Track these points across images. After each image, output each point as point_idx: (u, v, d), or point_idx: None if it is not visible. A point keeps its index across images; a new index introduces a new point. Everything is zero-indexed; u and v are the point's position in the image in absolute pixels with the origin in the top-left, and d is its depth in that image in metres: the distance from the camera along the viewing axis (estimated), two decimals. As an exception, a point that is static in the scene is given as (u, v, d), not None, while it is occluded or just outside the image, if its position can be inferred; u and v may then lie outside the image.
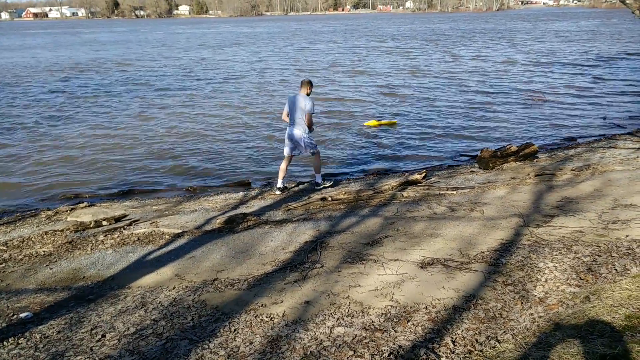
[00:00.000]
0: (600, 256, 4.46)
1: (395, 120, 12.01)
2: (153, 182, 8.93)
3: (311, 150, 7.62)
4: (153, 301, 4.28)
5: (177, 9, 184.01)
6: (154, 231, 6.03)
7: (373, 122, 12.11)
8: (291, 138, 7.48)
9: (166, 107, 15.44)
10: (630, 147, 9.06)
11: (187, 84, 20.39)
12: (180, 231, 6.00)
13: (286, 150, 7.64)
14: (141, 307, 4.19)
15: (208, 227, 6.18)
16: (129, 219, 6.58)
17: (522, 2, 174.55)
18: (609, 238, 4.86)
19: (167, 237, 5.85)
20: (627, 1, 17.90)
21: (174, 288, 4.53)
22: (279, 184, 7.72)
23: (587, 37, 39.03)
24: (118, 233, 6.06)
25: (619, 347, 2.83)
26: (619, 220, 5.30)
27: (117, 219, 6.56)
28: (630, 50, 28.14)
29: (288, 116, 7.47)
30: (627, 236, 4.86)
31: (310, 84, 7.35)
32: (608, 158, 8.33)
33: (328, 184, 7.95)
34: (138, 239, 5.83)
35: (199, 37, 56.09)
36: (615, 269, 4.18)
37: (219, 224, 6.16)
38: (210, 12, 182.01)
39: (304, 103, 7.21)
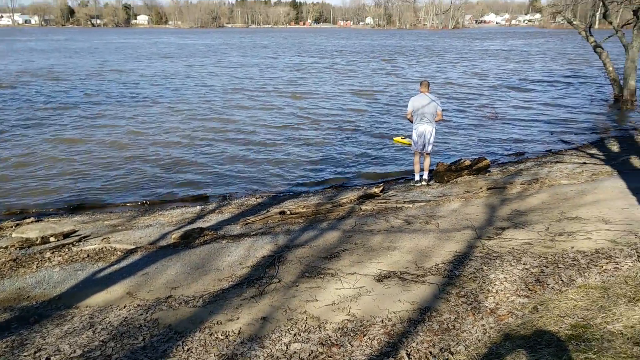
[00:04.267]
0: (547, 267, 4.62)
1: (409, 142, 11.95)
2: (106, 196, 8.66)
3: (432, 147, 8.45)
4: (102, 321, 4.13)
5: (136, 19, 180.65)
6: (105, 247, 5.83)
7: (399, 139, 12.08)
8: (422, 134, 8.21)
9: (117, 120, 14.98)
10: (575, 161, 9.49)
11: (134, 95, 19.72)
12: (133, 247, 5.83)
13: (418, 147, 8.42)
14: (89, 328, 4.03)
15: (163, 243, 6.03)
16: (78, 235, 6.35)
17: (476, 21, 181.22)
18: (555, 250, 5.05)
19: (119, 253, 5.67)
20: (574, 22, 18.96)
21: (124, 307, 4.38)
22: (417, 177, 8.62)
23: (534, 57, 40.77)
24: (66, 250, 5.83)
25: (564, 356, 2.93)
26: (565, 232, 5.53)
27: (66, 235, 6.31)
28: (568, 70, 29.57)
29: (412, 115, 8.26)
30: (572, 248, 5.07)
31: (428, 82, 8.31)
32: (555, 172, 8.70)
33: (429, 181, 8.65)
34: (88, 256, 5.63)
35: (137, 48, 53.84)
36: (562, 280, 4.34)
37: (175, 239, 6.03)
38: (170, 22, 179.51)
39: (434, 101, 8.08)
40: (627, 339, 2.98)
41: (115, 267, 5.29)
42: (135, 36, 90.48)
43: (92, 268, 5.28)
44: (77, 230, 6.52)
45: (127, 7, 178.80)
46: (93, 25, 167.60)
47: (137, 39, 76.56)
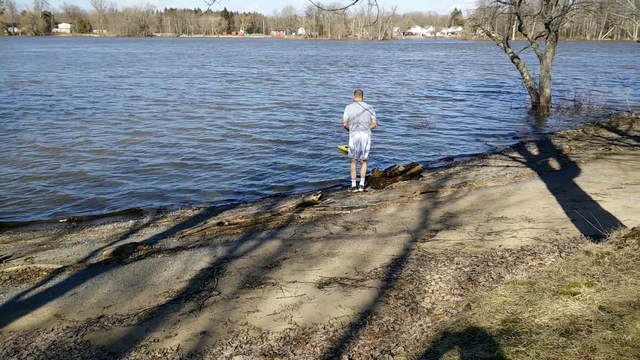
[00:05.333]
0: (478, 266, 4.86)
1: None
2: (28, 214, 8.11)
3: (368, 154, 8.65)
4: (28, 346, 3.86)
5: (57, 27, 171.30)
6: (29, 268, 5.46)
7: (344, 147, 11.91)
8: (359, 142, 8.37)
9: (35, 134, 14.03)
10: (500, 165, 10.07)
11: (51, 108, 18.52)
12: (60, 266, 5.50)
13: (355, 154, 8.55)
14: (14, 354, 3.76)
15: (93, 260, 5.75)
16: (-2, 256, 5.90)
17: (403, 34, 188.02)
18: (485, 249, 5.32)
19: (44, 273, 5.33)
20: (493, 35, 20.15)
21: (52, 330, 4.12)
22: (353, 184, 8.73)
23: (458, 67, 42.86)
24: (-15, 273, 5.40)
25: (496, 351, 3.08)
26: (493, 232, 5.83)
27: (-16, 257, 5.85)
28: (489, 79, 31.39)
29: (348, 123, 8.40)
30: (500, 246, 5.36)
31: (362, 91, 8.53)
32: (482, 175, 9.17)
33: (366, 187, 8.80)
34: (10, 278, 5.25)
35: (49, 58, 50.34)
36: (492, 277, 4.57)
37: (106, 256, 5.76)
38: (95, 31, 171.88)
39: (368, 109, 8.27)
40: (553, 330, 3.17)
41: (41, 288, 4.97)
42: (52, 45, 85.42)
43: (15, 290, 4.93)
44: (-4, 251, 6.06)
45: (47, 15, 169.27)
46: (10, 33, 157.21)
47: (54, 48, 72.23)
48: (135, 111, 18.05)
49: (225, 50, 75.12)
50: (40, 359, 3.67)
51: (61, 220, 7.83)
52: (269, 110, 18.72)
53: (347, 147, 12.06)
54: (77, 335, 4.00)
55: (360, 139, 8.43)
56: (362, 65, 45.06)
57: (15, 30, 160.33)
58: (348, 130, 8.59)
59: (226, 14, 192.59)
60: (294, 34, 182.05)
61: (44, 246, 6.35)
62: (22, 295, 4.83)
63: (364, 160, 8.73)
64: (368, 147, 8.56)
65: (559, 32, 17.39)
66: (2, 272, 5.38)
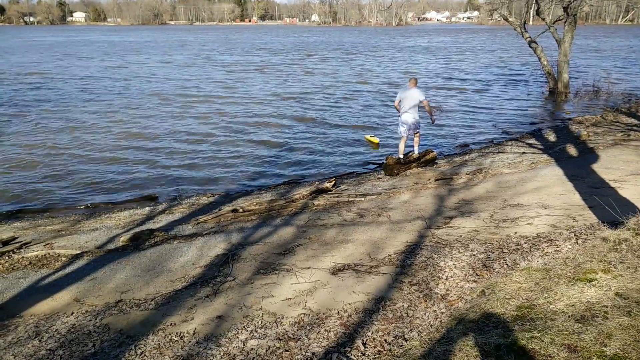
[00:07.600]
0: (493, 252, 4.83)
1: (377, 140, 11.99)
2: (47, 201, 8.25)
3: (418, 130, 9.34)
4: (49, 329, 3.96)
5: (72, 16, 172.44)
6: (49, 253, 5.58)
7: (373, 139, 11.86)
8: (406, 122, 9.06)
9: (49, 122, 14.22)
10: (516, 151, 9.94)
11: (63, 97, 18.72)
12: (79, 252, 5.60)
13: (403, 131, 9.19)
14: (35, 337, 3.85)
15: (111, 246, 5.84)
16: (19, 242, 6.03)
17: (418, 19, 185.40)
18: (500, 235, 5.28)
19: (63, 259, 5.43)
20: (510, 19, 19.80)
21: (72, 313, 4.21)
22: (400, 156, 9.26)
23: (473, 53, 42.24)
24: (6, 258, 5.53)
25: (511, 337, 3.07)
26: (508, 219, 5.78)
27: (5, 242, 5.98)
28: (505, 65, 30.87)
29: (399, 105, 9.11)
30: (515, 233, 5.32)
31: (416, 79, 9.23)
32: (497, 162, 9.08)
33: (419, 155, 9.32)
34: (30, 263, 5.36)
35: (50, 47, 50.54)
36: (507, 264, 4.54)
37: (123, 242, 5.85)
38: (109, 19, 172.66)
39: (418, 94, 8.92)
40: (569, 316, 3.16)
41: (61, 273, 5.07)
42: (61, 33, 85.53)
43: (36, 275, 5.04)
44: (17, 237, 6.19)
45: (62, 4, 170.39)
46: (26, 23, 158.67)
47: (59, 37, 72.47)
48: (149, 100, 18.19)
49: (241, 38, 74.83)
50: (61, 341, 3.76)
51: (79, 207, 7.96)
52: (281, 99, 18.67)
53: (372, 136, 12.10)
54: (96, 319, 4.09)
55: (408, 120, 9.03)
56: (380, 52, 44.66)
57: (32, 19, 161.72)
58: (398, 111, 9.18)
59: (239, 1, 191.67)
60: (307, 20, 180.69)
61: (63, 232, 6.47)
62: (42, 280, 4.94)
63: (416, 134, 9.27)
64: (414, 126, 9.13)
65: (578, 16, 16.98)
66: (23, 257, 5.50)
